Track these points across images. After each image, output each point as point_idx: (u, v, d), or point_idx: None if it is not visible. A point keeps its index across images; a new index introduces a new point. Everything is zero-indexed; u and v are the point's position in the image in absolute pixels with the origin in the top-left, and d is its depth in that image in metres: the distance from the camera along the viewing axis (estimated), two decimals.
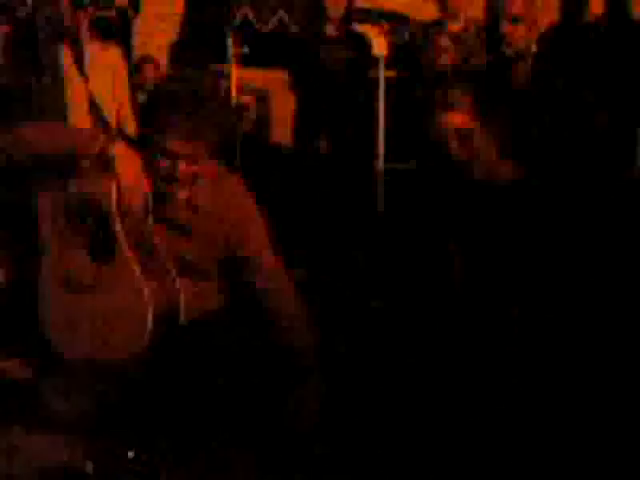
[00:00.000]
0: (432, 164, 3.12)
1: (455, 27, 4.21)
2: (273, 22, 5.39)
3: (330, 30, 4.71)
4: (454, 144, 2.84)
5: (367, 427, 2.45)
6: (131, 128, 3.82)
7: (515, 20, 3.31)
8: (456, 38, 4.21)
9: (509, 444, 2.36)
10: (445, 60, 4.16)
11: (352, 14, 4.71)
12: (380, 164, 4.10)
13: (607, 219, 3.01)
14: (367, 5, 5.00)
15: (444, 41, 4.18)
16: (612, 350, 2.67)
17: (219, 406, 2.28)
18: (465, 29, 4.21)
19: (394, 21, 4.70)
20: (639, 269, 2.85)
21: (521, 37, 3.30)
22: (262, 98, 4.90)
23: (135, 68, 4.81)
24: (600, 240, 2.90)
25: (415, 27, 4.65)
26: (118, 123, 3.84)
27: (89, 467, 2.08)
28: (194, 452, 2.20)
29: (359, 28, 4.50)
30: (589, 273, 2.81)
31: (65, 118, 3.34)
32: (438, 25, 4.29)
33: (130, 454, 2.09)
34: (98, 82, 3.64)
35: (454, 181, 2.94)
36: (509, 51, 3.31)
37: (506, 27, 3.30)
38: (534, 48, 3.34)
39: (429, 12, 4.53)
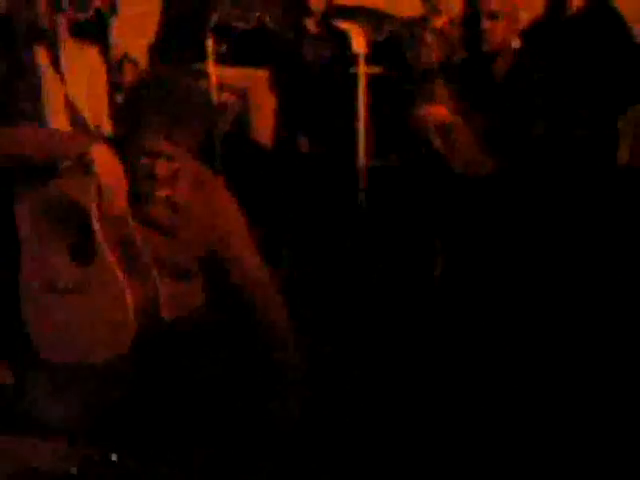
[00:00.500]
0: (413, 159, 3.12)
1: (439, 23, 4.21)
2: (252, 20, 5.37)
3: (311, 27, 4.71)
4: (435, 137, 2.84)
5: (352, 425, 2.45)
6: (109, 128, 3.79)
7: (493, 16, 3.32)
8: (440, 34, 4.21)
9: (493, 438, 2.37)
10: (430, 56, 4.16)
11: (333, 11, 4.70)
12: (361, 161, 4.10)
13: (589, 211, 3.03)
14: (348, 2, 4.98)
15: (429, 37, 4.19)
16: (594, 337, 2.69)
17: (202, 406, 2.27)
18: (448, 25, 4.21)
19: (376, 18, 4.70)
20: (621, 259, 2.87)
21: (500, 33, 3.31)
22: (242, 96, 4.86)
23: (114, 68, 4.78)
24: (582, 232, 2.91)
25: (397, 23, 4.65)
26: (96, 123, 3.81)
27: (73, 470, 2.07)
28: (179, 452, 2.19)
29: (339, 25, 4.49)
30: (572, 264, 2.83)
31: (44, 120, 3.32)
32: (422, 21, 4.30)
33: (114, 457, 2.08)
34: (76, 83, 3.62)
35: (435, 176, 2.95)
36: (488, 47, 3.32)
37: (485, 23, 3.31)
38: (516, 44, 3.35)
39: (411, 8, 4.53)
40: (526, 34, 3.40)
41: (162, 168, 2.20)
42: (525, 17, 3.48)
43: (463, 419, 2.45)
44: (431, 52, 4.14)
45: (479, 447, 2.34)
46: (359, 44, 4.15)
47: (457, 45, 4.05)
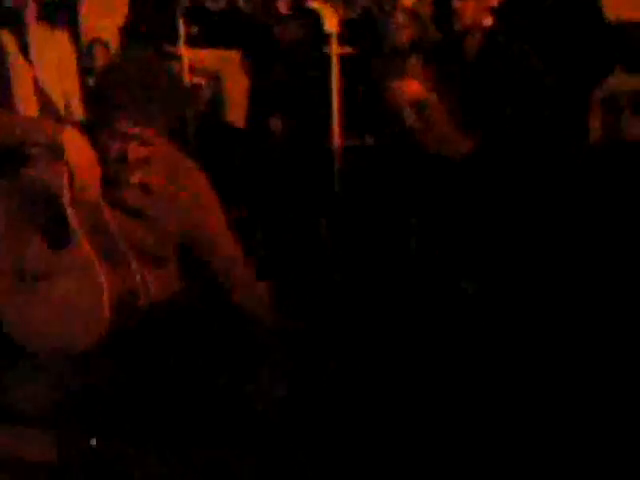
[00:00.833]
0: (387, 138, 3.12)
1: (408, 2, 4.20)
2: (224, 1, 5.33)
3: (282, 7, 4.68)
4: (409, 114, 2.84)
5: (335, 417, 2.45)
6: (78, 113, 3.76)
7: None
8: (411, 13, 4.20)
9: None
10: (401, 35, 4.16)
11: None
12: (336, 141, 4.09)
13: (562, 187, 3.04)
14: None
15: (400, 16, 4.18)
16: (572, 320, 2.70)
17: (183, 390, 2.27)
18: (418, 3, 4.21)
19: None
20: (595, 236, 2.88)
21: (471, 12, 3.31)
22: (215, 78, 4.85)
23: (84, 52, 4.73)
24: (555, 209, 2.92)
25: (369, 1, 4.64)
26: (67, 108, 3.78)
27: (53, 457, 2.07)
28: (160, 438, 2.19)
29: (311, 5, 4.46)
30: (546, 244, 2.84)
31: (13, 106, 3.29)
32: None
33: (93, 442, 2.08)
34: (45, 68, 3.58)
35: (409, 154, 2.95)
36: (459, 26, 3.32)
37: (455, 2, 3.31)
38: (487, 22, 3.35)
39: None
40: (497, 11, 3.40)
41: (134, 152, 2.18)
42: None
43: (449, 410, 2.46)
44: (402, 30, 4.14)
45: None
46: (331, 24, 4.14)
47: (428, 24, 4.06)
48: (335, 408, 2.43)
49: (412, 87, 2.83)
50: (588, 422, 2.39)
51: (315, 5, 4.30)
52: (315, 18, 4.41)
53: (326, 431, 2.35)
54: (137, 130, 2.15)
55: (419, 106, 2.86)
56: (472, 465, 2.27)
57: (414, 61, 2.89)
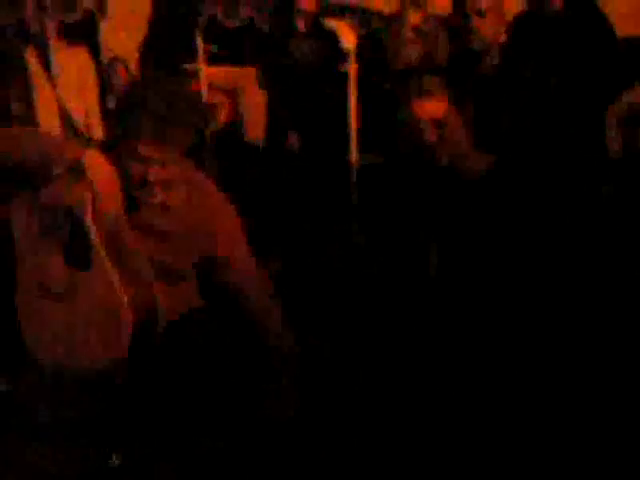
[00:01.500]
0: (402, 155, 3.12)
1: (416, 18, 4.22)
2: (241, 18, 5.37)
3: (300, 25, 4.71)
4: (428, 132, 2.85)
5: (348, 419, 2.46)
6: (99, 132, 3.80)
7: (482, 14, 3.33)
8: (418, 31, 4.22)
9: (490, 437, 2.38)
10: (411, 53, 4.17)
11: (322, 9, 4.71)
12: (354, 158, 4.10)
13: (581, 202, 3.04)
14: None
15: (409, 34, 4.19)
16: (590, 335, 2.70)
17: (200, 406, 2.28)
18: (427, 21, 4.22)
19: (360, 14, 4.71)
20: (612, 252, 2.88)
21: (488, 30, 3.32)
22: (232, 95, 4.87)
23: (104, 71, 4.78)
24: (570, 226, 2.92)
25: (377, 20, 4.66)
26: (86, 127, 3.82)
27: (74, 473, 2.09)
28: (177, 453, 2.21)
29: (328, 22, 4.49)
30: (562, 259, 2.84)
31: (35, 123, 3.33)
32: (399, 17, 4.31)
33: (113, 459, 2.10)
34: (66, 85, 3.62)
35: (427, 171, 2.96)
36: (476, 44, 3.34)
37: (473, 21, 3.33)
38: (502, 38, 3.37)
39: (390, 5, 4.55)
40: (509, 29, 3.42)
41: (155, 174, 2.21)
42: (512, 11, 3.50)
43: (459, 417, 2.47)
44: (409, 48, 4.14)
45: (477, 446, 2.35)
46: (349, 41, 4.16)
47: (438, 42, 4.06)
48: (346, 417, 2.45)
49: (432, 106, 2.84)
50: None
51: (332, 23, 4.33)
52: (332, 36, 4.44)
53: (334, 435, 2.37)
54: (157, 153, 2.18)
55: (437, 124, 2.87)
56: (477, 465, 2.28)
57: (435, 80, 2.90)
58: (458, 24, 3.77)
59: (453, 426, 2.44)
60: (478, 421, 2.45)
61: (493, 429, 2.42)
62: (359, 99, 3.85)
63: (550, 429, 2.40)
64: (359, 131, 3.94)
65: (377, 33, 4.48)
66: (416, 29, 4.17)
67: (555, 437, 2.37)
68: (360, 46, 4.01)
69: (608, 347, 2.69)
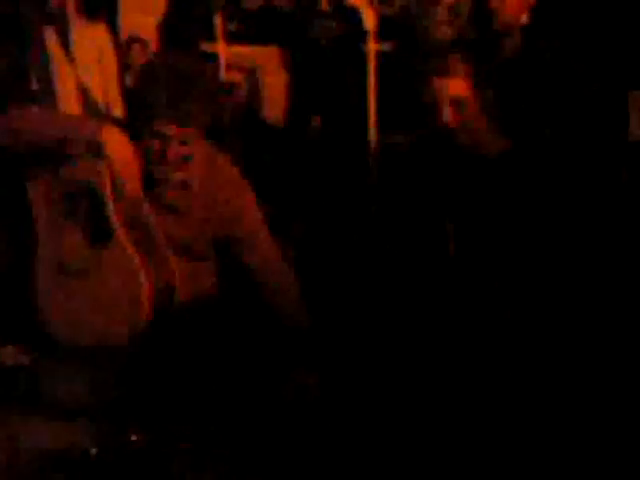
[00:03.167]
0: (422, 135, 3.11)
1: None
2: None
3: (321, 4, 4.69)
4: (447, 111, 2.83)
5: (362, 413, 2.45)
6: (119, 110, 3.79)
7: None
8: (451, 10, 4.18)
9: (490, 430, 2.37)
10: (443, 32, 4.14)
11: None
12: (373, 138, 4.09)
13: (600, 187, 3.02)
14: None
15: (441, 13, 4.16)
16: (603, 328, 2.68)
17: (217, 387, 2.29)
18: (458, 1, 4.18)
19: None
20: (633, 240, 2.85)
21: (509, 11, 3.29)
22: (252, 75, 4.86)
23: (123, 48, 4.78)
24: (592, 211, 2.89)
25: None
26: (106, 105, 3.81)
27: (92, 452, 2.09)
28: (197, 434, 2.21)
29: (350, 2, 4.46)
30: (581, 246, 2.82)
31: (55, 103, 3.32)
32: None
33: (133, 437, 2.10)
34: (86, 64, 3.61)
35: (445, 152, 2.94)
36: (497, 25, 3.31)
37: (494, 2, 3.30)
38: (524, 20, 3.34)
39: None
40: (533, 10, 3.38)
41: (174, 151, 2.20)
42: None
43: (471, 416, 2.45)
44: (442, 27, 4.12)
45: (482, 446, 2.34)
46: (370, 21, 4.14)
47: (467, 21, 4.03)
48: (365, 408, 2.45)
49: (453, 85, 2.82)
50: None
51: (354, 2, 4.30)
52: (353, 15, 4.41)
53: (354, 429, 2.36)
54: (176, 130, 2.18)
55: (457, 103, 2.85)
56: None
57: (457, 59, 2.87)
58: (479, 4, 3.74)
59: (464, 420, 2.43)
60: (489, 416, 2.44)
61: (502, 425, 2.41)
62: (385, 78, 3.84)
63: (558, 427, 2.39)
64: (382, 110, 3.93)
65: (406, 12, 4.45)
66: (450, 8, 4.14)
67: (560, 436, 2.36)
68: (387, 25, 3.99)
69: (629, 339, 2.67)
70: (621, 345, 2.62)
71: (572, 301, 2.71)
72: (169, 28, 5.11)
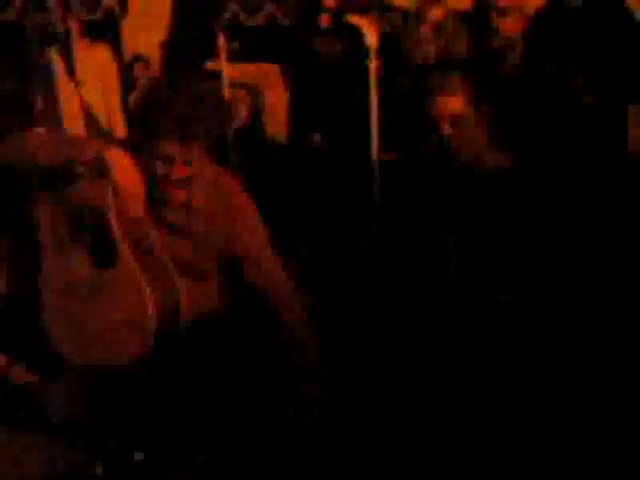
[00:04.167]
0: (421, 152, 3.12)
1: (436, 14, 4.20)
2: (262, 15, 5.37)
3: (323, 21, 4.71)
4: (447, 128, 2.84)
5: (366, 422, 2.46)
6: (121, 130, 3.81)
7: (503, 12, 3.31)
8: (438, 27, 4.20)
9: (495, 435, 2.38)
10: (425, 51, 4.16)
11: (345, 6, 4.71)
12: (375, 155, 4.10)
13: (599, 203, 3.03)
14: None
15: (426, 31, 4.18)
16: (605, 336, 2.69)
17: (221, 405, 2.30)
18: (446, 17, 4.20)
19: (383, 11, 4.70)
20: (632, 253, 2.86)
21: (510, 28, 3.30)
22: (254, 93, 4.89)
23: (126, 68, 4.80)
24: (592, 225, 2.91)
25: (396, 16, 4.65)
26: (109, 126, 3.84)
27: (99, 470, 2.10)
28: (198, 452, 2.22)
29: (351, 19, 4.49)
30: (580, 259, 2.83)
31: (59, 124, 3.35)
32: (418, 13, 4.29)
33: (138, 456, 2.11)
34: (88, 85, 3.64)
35: (444, 169, 2.95)
36: (498, 42, 3.32)
37: (495, 19, 3.31)
38: (524, 36, 3.35)
39: (412, 1, 4.53)
40: (531, 26, 3.40)
41: (177, 172, 2.22)
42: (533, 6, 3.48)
43: (471, 417, 2.46)
44: (424, 46, 4.12)
45: (482, 447, 2.35)
46: (371, 38, 4.15)
47: (457, 39, 4.03)
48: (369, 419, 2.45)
49: (452, 103, 2.84)
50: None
51: (355, 20, 4.32)
52: (354, 33, 4.43)
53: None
54: (180, 151, 2.20)
55: (457, 120, 2.87)
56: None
57: (456, 77, 2.89)
58: (479, 21, 3.75)
59: (467, 420, 2.44)
60: (491, 416, 2.45)
61: (503, 424, 2.42)
62: (383, 97, 3.85)
63: (559, 427, 2.40)
64: (381, 129, 3.94)
65: (395, 30, 4.47)
66: (436, 26, 4.15)
67: (561, 436, 2.36)
68: (381, 43, 4.00)
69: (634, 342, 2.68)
70: (620, 355, 2.63)
71: (571, 314, 2.72)
72: (172, 47, 5.14)
